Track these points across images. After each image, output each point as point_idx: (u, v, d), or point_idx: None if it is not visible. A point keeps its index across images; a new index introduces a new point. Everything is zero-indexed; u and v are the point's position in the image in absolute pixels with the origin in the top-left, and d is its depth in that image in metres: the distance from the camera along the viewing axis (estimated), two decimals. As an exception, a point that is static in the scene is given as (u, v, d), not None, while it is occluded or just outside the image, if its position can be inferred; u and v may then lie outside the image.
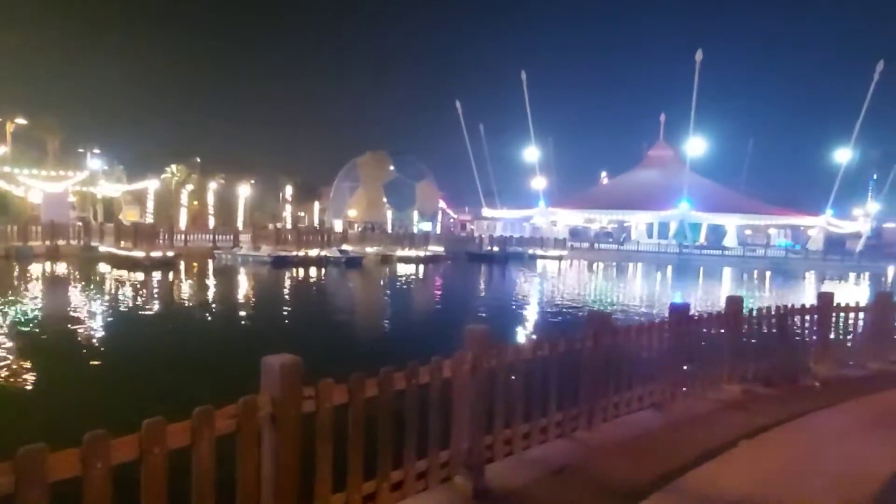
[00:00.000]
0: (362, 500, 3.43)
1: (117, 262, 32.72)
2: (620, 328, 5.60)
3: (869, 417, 6.07)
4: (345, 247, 46.16)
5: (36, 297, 21.41)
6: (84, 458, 2.21)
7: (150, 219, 50.03)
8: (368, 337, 16.59)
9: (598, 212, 73.70)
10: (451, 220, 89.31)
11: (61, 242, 37.16)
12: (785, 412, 6.04)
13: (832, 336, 8.38)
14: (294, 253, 40.84)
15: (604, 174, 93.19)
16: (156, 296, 23.43)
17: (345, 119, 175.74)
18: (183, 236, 43.21)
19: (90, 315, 17.92)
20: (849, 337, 8.67)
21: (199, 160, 64.75)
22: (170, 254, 34.82)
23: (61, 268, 31.38)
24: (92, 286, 25.69)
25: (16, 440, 2.22)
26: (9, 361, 11.48)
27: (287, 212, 72.36)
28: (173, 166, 62.34)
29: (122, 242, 37.02)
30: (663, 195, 66.20)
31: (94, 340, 14.28)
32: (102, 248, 36.46)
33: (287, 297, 26.36)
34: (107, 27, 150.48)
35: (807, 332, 8.06)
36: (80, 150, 53.90)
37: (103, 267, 31.98)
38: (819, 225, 66.48)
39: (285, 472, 2.94)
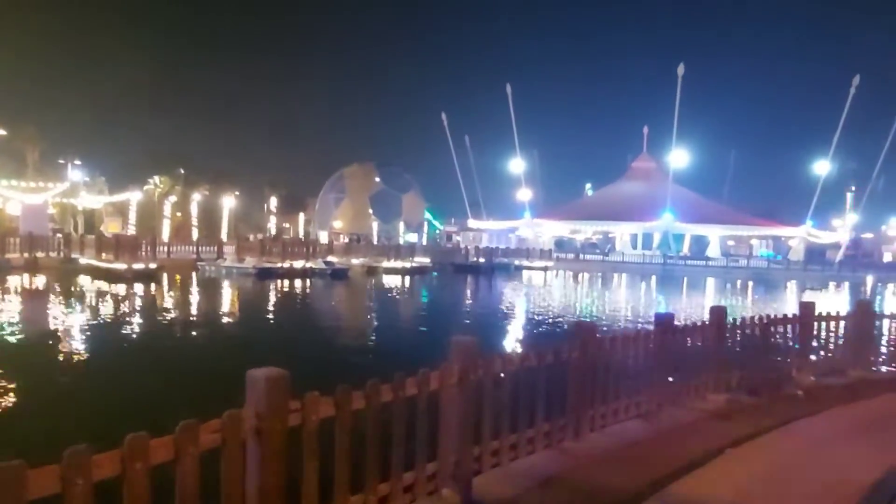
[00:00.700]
0: (349, 514, 3.39)
1: (98, 274, 32.27)
2: (606, 338, 5.63)
3: (852, 425, 6.15)
4: (330, 258, 45.96)
5: (10, 310, 21.02)
6: (64, 475, 2.16)
7: (132, 230, 49.49)
8: (354, 349, 16.48)
9: (584, 223, 74.29)
10: (437, 232, 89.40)
11: (40, 254, 36.59)
12: (769, 421, 6.09)
13: (814, 345, 8.49)
14: (279, 264, 40.55)
15: (588, 186, 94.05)
16: (137, 308, 23.12)
17: (330, 131, 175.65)
18: (166, 248, 42.80)
19: (67, 328, 17.62)
20: (830, 345, 8.78)
21: (182, 171, 64.19)
22: (152, 266, 34.42)
23: (40, 280, 30.86)
24: (71, 298, 25.29)
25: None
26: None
27: (272, 223, 72.00)
28: (156, 177, 61.75)
29: (104, 254, 36.55)
30: (647, 206, 66.92)
31: (71, 353, 14.03)
32: (83, 261, 35.95)
33: (272, 309, 26.14)
34: (89, 37, 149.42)
35: (789, 341, 8.15)
36: (61, 161, 53.22)
37: (83, 279, 31.51)
38: (799, 235, 67.60)
39: (271, 486, 2.90)
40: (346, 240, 61.32)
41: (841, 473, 4.68)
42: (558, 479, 4.41)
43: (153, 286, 30.32)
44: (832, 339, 8.73)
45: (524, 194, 74.29)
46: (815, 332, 8.45)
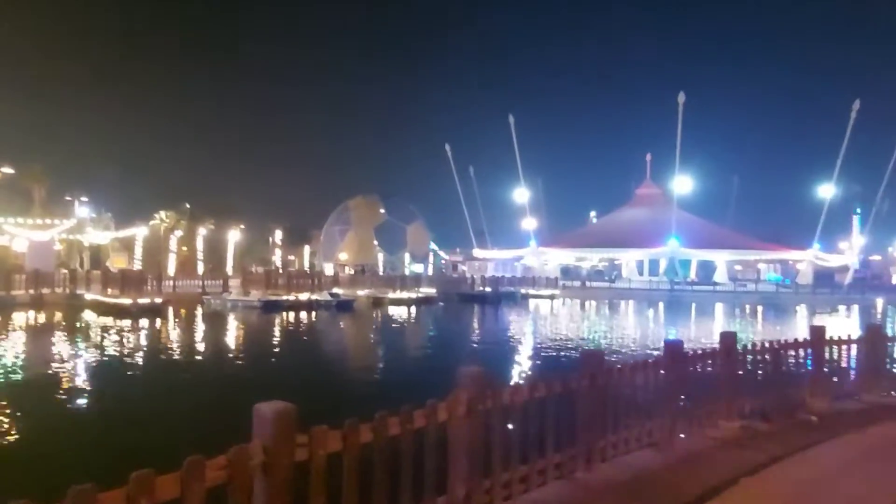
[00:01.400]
0: (358, 551, 3.31)
1: (104, 309, 32.30)
2: (615, 367, 5.57)
3: (867, 451, 6.03)
4: (336, 290, 45.89)
5: (15, 347, 21.00)
6: (69, 514, 2.13)
7: (138, 265, 49.69)
8: (362, 381, 16.35)
9: (589, 250, 74.16)
10: (443, 262, 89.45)
11: (46, 291, 36.74)
12: (784, 448, 5.98)
13: (826, 369, 8.37)
14: (284, 297, 40.50)
15: (593, 213, 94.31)
16: (142, 343, 23.06)
17: (335, 163, 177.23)
18: (171, 282, 42.86)
19: (72, 363, 17.57)
20: (843, 369, 8.66)
21: (188, 206, 64.84)
22: (157, 300, 34.43)
23: (45, 316, 30.91)
24: (75, 334, 25.27)
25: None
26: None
27: (277, 256, 72.24)
28: (162, 213, 62.35)
29: (109, 290, 36.61)
30: (652, 233, 66.86)
31: (74, 389, 13.96)
32: (88, 296, 36.02)
33: (278, 342, 26.04)
34: (94, 75, 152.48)
35: (801, 366, 8.05)
36: (68, 198, 53.85)
37: (89, 315, 31.53)
38: (807, 259, 67.24)
39: (278, 523, 2.85)
40: (352, 271, 61.33)
41: (859, 502, 4.56)
42: (571, 512, 4.32)
43: (158, 321, 30.30)
44: (844, 364, 8.62)
45: (529, 223, 74.42)
46: (826, 357, 8.35)
